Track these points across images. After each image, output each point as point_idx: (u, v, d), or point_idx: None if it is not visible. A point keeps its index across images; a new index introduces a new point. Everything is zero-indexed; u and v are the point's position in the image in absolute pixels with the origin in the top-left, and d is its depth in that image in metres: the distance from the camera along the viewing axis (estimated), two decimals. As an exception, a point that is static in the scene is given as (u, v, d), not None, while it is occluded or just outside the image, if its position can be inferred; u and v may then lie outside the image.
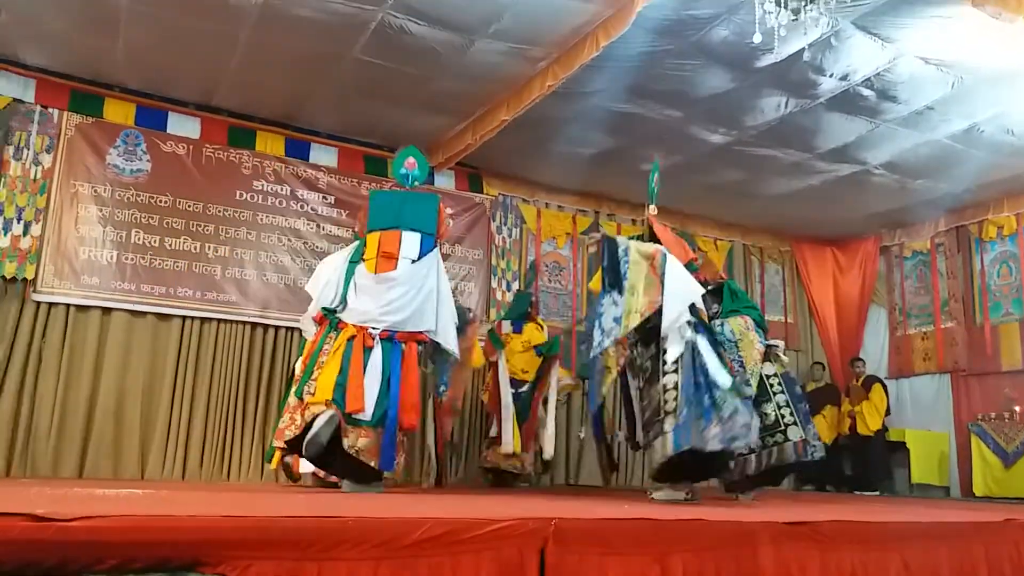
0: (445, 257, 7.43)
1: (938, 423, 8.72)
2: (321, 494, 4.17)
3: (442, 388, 5.35)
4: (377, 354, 4.42)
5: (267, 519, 1.96)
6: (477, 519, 2.18)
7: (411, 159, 5.15)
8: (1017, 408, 7.86)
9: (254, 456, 6.34)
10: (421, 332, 4.59)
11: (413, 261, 4.66)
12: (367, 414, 4.29)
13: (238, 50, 5.74)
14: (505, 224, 7.96)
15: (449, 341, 4.72)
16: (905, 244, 9.43)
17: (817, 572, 2.67)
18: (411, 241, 4.69)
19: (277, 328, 6.69)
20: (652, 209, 5.15)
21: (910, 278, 9.39)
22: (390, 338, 4.48)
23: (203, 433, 6.22)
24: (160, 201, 6.41)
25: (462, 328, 5.05)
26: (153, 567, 1.80)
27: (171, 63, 6.05)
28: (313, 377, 4.38)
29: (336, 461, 4.43)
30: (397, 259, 4.64)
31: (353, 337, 4.44)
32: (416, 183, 5.16)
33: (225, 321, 6.49)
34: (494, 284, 7.73)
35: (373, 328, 4.48)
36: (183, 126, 6.63)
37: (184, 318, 6.33)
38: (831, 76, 5.84)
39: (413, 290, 4.60)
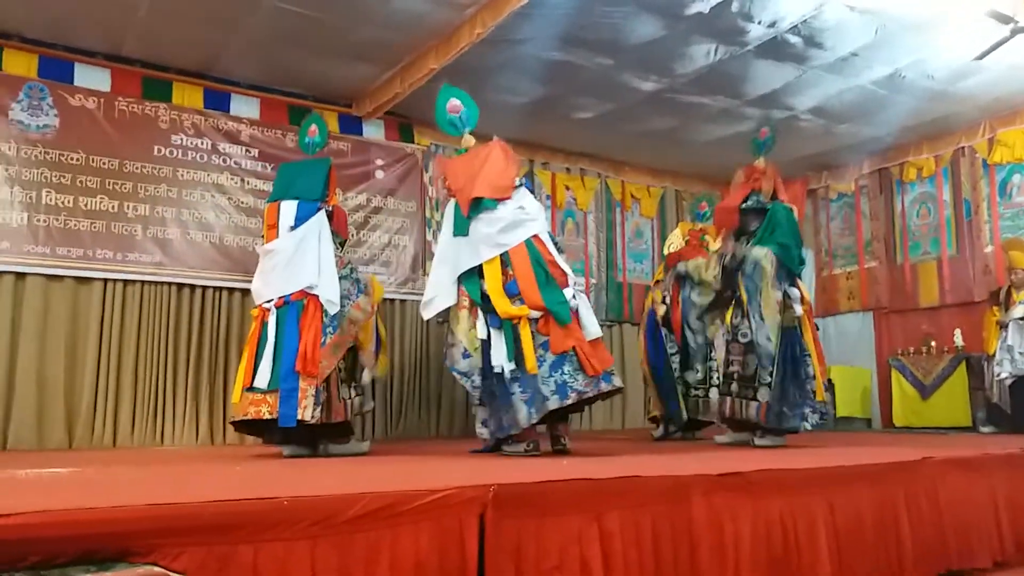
0: (378, 210, 7.34)
1: (861, 359, 9.08)
2: (257, 467, 4.09)
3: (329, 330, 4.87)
4: (271, 323, 4.60)
5: (197, 504, 1.90)
6: (415, 491, 2.17)
7: (313, 127, 5.34)
8: (933, 343, 8.24)
9: (187, 420, 6.19)
10: (301, 289, 4.67)
11: (291, 228, 4.79)
12: (262, 382, 4.48)
13: (147, -3, 5.42)
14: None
15: (329, 294, 4.68)
16: (831, 187, 9.65)
17: (748, 520, 2.76)
18: (288, 210, 4.82)
19: (205, 288, 6.45)
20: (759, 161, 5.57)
21: (835, 220, 9.66)
22: (285, 302, 4.62)
23: (133, 398, 6.02)
24: (71, 159, 6.06)
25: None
26: (79, 560, 1.75)
27: (74, 10, 5.66)
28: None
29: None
30: (277, 229, 4.82)
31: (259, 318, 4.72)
32: (317, 149, 5.31)
33: (149, 283, 6.22)
34: (429, 237, 7.55)
35: (266, 304, 4.68)
36: (92, 78, 6.23)
37: (105, 281, 6.05)
38: (759, 23, 5.85)
39: (287, 253, 4.72)
